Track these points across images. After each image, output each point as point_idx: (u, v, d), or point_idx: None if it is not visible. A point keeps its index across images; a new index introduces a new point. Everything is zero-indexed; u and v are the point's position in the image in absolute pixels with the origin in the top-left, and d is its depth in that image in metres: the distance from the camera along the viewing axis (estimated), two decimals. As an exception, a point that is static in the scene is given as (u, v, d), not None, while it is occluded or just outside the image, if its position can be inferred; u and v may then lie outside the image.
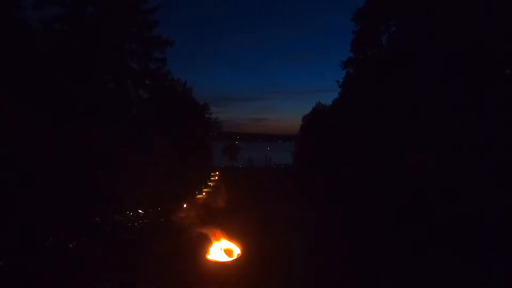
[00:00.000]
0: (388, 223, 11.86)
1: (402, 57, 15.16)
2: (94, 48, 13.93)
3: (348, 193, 17.64)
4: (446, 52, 12.45)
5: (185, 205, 14.28)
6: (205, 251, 4.71)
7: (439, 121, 12.65)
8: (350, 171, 18.82)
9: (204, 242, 4.91)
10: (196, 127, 25.87)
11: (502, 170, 10.06)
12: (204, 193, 25.08)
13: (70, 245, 6.86)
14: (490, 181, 10.26)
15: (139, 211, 10.58)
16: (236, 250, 5.01)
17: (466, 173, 11.11)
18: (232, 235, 5.47)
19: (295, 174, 38.22)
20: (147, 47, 16.80)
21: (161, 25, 17.13)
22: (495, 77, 11.56)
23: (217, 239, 5.09)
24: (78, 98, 12.24)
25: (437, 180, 12.14)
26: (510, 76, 11.67)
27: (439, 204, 11.32)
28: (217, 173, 40.19)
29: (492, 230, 9.11)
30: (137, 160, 12.04)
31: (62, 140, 9.65)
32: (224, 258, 4.81)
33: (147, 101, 18.11)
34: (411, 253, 8.62)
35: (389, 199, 13.77)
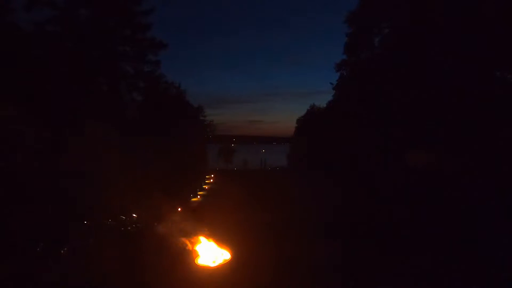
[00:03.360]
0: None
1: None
2: (87, 50, 13.78)
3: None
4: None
5: (179, 209, 14.17)
6: (195, 256, 4.68)
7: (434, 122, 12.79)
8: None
9: (194, 247, 4.87)
10: (191, 130, 25.73)
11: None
12: (198, 196, 24.95)
13: (62, 251, 6.74)
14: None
15: (133, 215, 10.46)
16: (226, 254, 4.98)
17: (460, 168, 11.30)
18: (223, 238, 5.43)
19: (289, 176, 38.24)
20: (141, 49, 16.64)
21: (156, 28, 17.00)
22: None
23: (208, 244, 5.06)
24: (72, 100, 12.09)
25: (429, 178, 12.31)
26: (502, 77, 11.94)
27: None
28: (212, 175, 40.02)
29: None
30: (130, 164, 11.90)
31: (53, 144, 9.51)
32: (214, 262, 4.79)
33: (141, 104, 17.95)
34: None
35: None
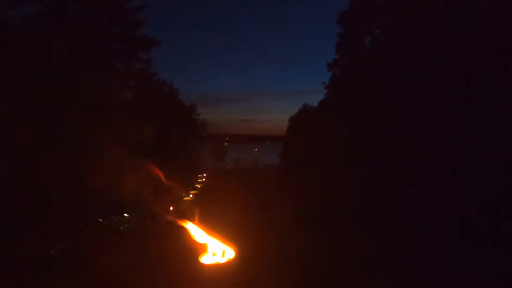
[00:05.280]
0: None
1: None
2: (76, 47, 13.51)
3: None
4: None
5: (171, 208, 14.10)
6: (198, 254, 4.67)
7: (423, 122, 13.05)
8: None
9: (196, 245, 4.86)
10: (183, 129, 25.56)
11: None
12: (191, 195, 24.83)
13: (52, 252, 6.61)
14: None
15: (125, 214, 10.34)
16: (230, 252, 4.97)
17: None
18: (225, 236, 5.43)
19: (280, 174, 38.38)
20: (132, 47, 16.41)
21: (148, 25, 16.79)
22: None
23: (210, 242, 5.03)
24: (61, 99, 11.85)
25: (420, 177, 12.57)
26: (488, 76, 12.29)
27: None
28: (204, 174, 39.89)
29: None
30: (121, 163, 11.76)
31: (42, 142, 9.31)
32: (218, 260, 4.78)
33: (132, 102, 17.72)
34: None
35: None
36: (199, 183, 34.02)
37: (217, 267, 4.60)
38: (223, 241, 5.11)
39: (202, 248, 4.87)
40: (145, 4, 16.08)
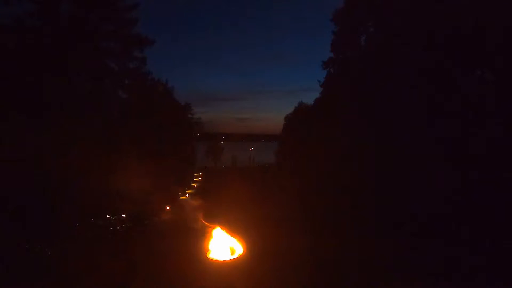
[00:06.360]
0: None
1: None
2: (68, 46, 13.34)
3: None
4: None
5: (168, 207, 14.07)
6: (206, 250, 4.66)
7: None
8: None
9: (204, 241, 4.82)
10: (178, 128, 25.45)
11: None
12: (187, 195, 24.78)
13: (49, 253, 6.53)
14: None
15: (122, 215, 10.28)
16: (239, 248, 4.94)
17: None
18: (235, 232, 5.39)
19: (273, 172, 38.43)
20: (126, 45, 16.28)
21: (142, 23, 16.67)
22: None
23: (219, 237, 5.01)
24: (53, 98, 11.69)
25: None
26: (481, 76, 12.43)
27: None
28: (200, 174, 39.80)
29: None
30: (115, 163, 11.67)
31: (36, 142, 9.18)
32: (227, 257, 4.74)
33: (127, 102, 17.59)
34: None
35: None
36: (195, 182, 33.94)
37: (226, 264, 4.57)
38: (231, 236, 5.08)
39: (207, 244, 4.84)
40: (139, 2, 15.99)
